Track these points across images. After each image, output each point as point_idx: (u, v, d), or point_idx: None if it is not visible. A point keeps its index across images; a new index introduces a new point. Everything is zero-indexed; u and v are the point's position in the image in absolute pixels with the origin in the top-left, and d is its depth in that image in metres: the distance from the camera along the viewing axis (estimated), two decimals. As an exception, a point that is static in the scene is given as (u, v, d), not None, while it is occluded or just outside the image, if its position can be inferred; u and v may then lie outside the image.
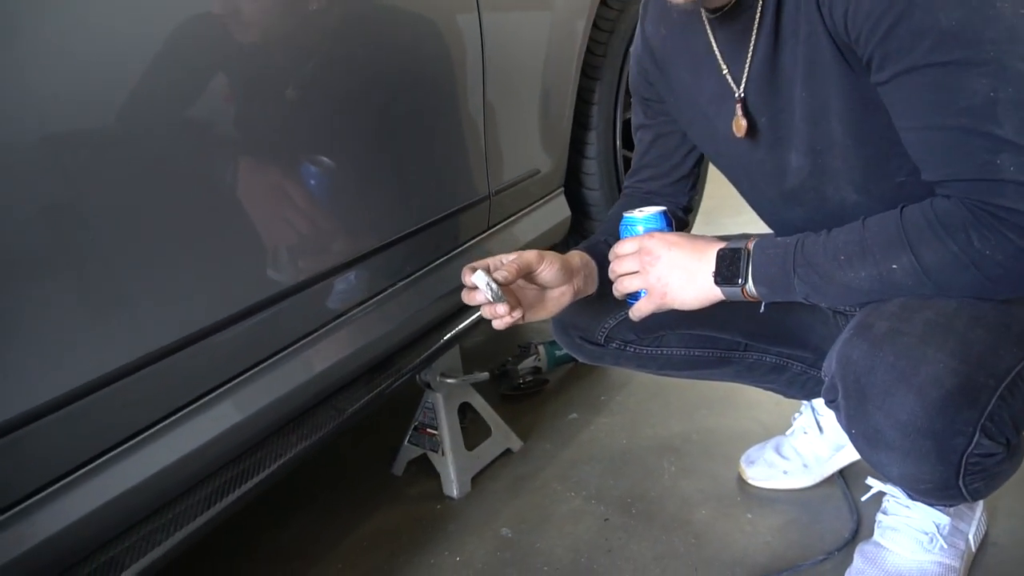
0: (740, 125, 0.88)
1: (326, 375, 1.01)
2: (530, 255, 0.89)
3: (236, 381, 0.89)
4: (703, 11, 0.86)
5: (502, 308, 0.84)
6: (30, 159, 0.67)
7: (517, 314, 0.87)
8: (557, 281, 0.91)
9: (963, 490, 0.77)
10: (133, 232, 0.76)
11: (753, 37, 0.82)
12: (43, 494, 0.70)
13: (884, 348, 0.74)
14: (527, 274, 0.88)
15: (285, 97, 0.92)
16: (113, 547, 0.77)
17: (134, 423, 0.79)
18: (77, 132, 0.71)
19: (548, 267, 0.89)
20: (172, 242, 0.80)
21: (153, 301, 0.79)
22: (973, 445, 0.73)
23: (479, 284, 0.82)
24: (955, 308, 0.74)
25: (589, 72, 1.61)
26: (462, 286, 0.86)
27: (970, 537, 1.00)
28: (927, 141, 0.72)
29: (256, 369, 0.91)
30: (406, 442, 1.34)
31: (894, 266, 0.74)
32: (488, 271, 0.84)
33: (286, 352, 0.95)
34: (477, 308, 0.87)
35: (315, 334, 0.99)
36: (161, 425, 0.81)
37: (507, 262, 0.86)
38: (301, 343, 0.97)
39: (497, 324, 0.86)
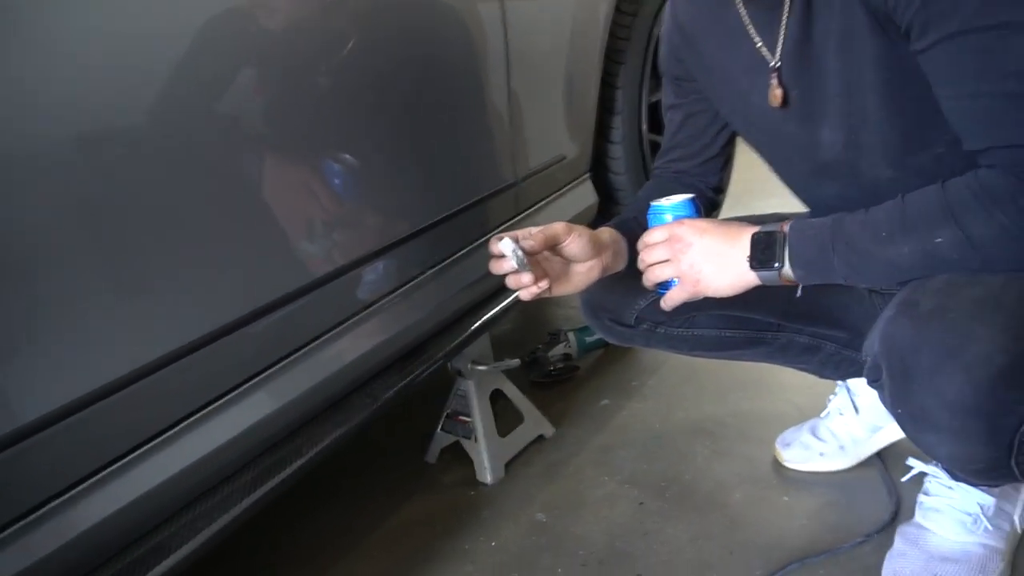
0: (776, 95, 0.86)
1: (359, 363, 1.02)
2: (558, 227, 0.88)
3: (271, 371, 0.90)
4: None
5: (527, 277, 0.84)
6: (56, 156, 0.68)
7: (544, 284, 0.86)
8: (585, 255, 0.90)
9: (1015, 470, 0.75)
10: (163, 226, 0.78)
11: (786, 10, 0.81)
12: (94, 479, 0.73)
13: (930, 326, 0.72)
14: (554, 246, 0.88)
15: (309, 88, 0.93)
16: (160, 532, 0.79)
17: (173, 414, 0.80)
18: (103, 128, 0.72)
19: (576, 240, 0.89)
20: (202, 236, 0.81)
21: (185, 295, 0.80)
22: None
23: (506, 251, 0.82)
24: (1002, 284, 0.72)
25: (613, 56, 1.59)
26: (489, 272, 0.86)
27: (1016, 519, 0.98)
28: (971, 109, 0.70)
29: (290, 359, 0.93)
30: (439, 430, 1.35)
31: (938, 240, 0.72)
32: (516, 240, 0.83)
33: (319, 341, 0.96)
34: (507, 295, 0.87)
35: (347, 323, 1.01)
36: (199, 415, 0.83)
37: (535, 232, 0.86)
38: (333, 332, 0.99)
39: (523, 295, 0.86)
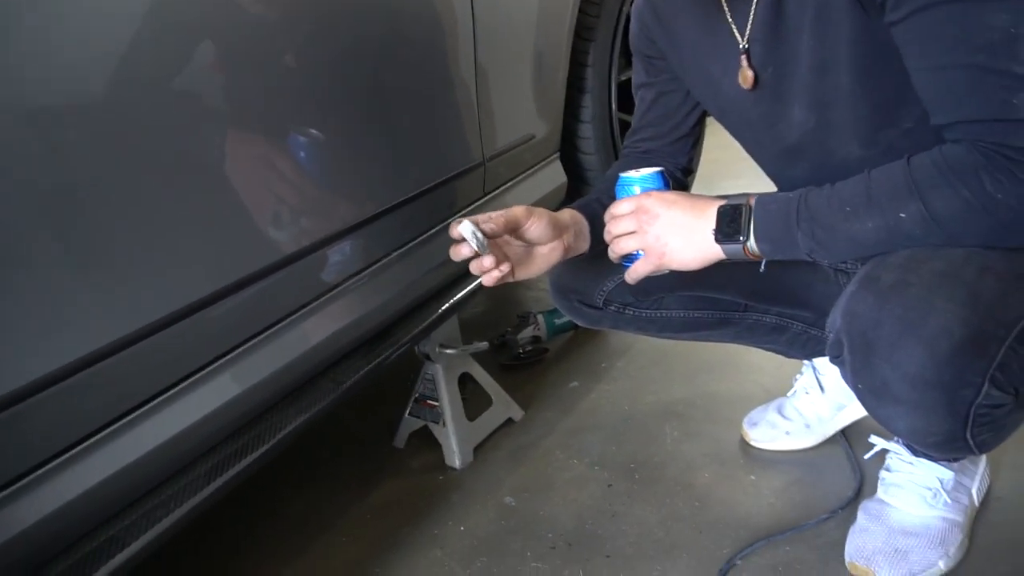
0: (747, 76, 0.86)
1: (323, 347, 0.99)
2: (517, 210, 0.87)
3: (231, 355, 0.87)
4: None
5: (488, 260, 0.83)
6: (11, 134, 0.65)
7: (505, 267, 0.85)
8: (546, 237, 0.89)
9: (970, 442, 0.76)
10: (123, 205, 0.74)
11: None
12: (42, 471, 0.69)
13: (891, 300, 0.72)
14: (515, 229, 0.87)
15: (270, 64, 0.90)
16: (113, 525, 0.76)
17: (128, 399, 0.77)
18: (68, 107, 0.68)
19: (536, 222, 0.87)
20: (162, 214, 0.78)
21: (144, 275, 0.77)
22: (982, 396, 0.72)
23: (465, 235, 0.81)
24: (964, 257, 0.72)
25: (583, 34, 1.57)
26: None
27: (973, 492, 1.00)
28: (941, 81, 0.70)
29: (251, 343, 0.90)
30: (407, 414, 1.34)
31: (902, 215, 0.72)
32: (476, 224, 0.82)
33: (281, 325, 0.94)
34: (475, 278, 0.85)
35: (310, 306, 0.98)
36: (157, 401, 0.80)
37: (495, 216, 0.85)
38: (296, 315, 0.96)
39: (486, 279, 0.85)
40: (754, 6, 0.82)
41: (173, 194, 0.79)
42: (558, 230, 0.91)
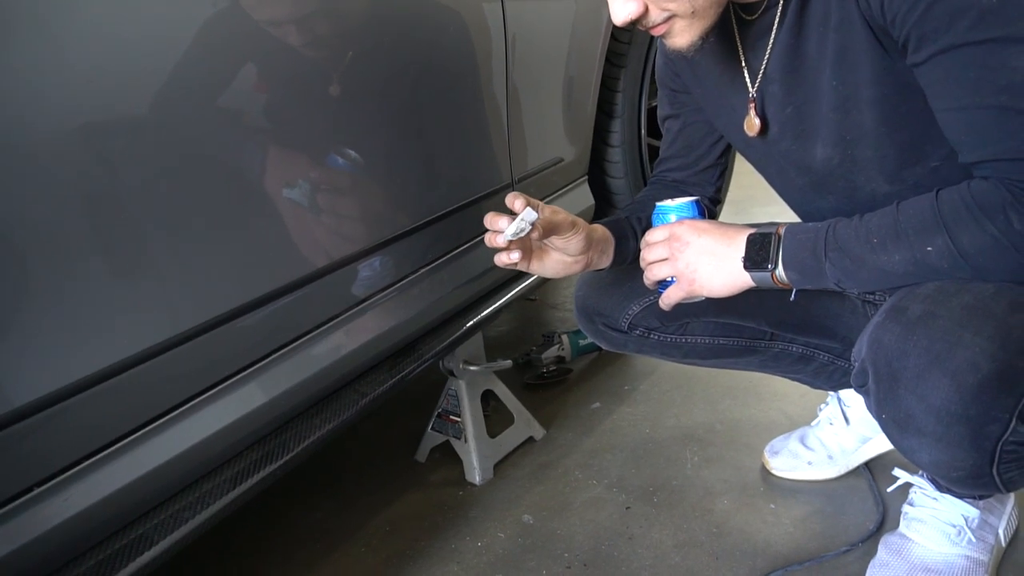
0: (752, 124, 0.88)
1: (349, 359, 1.02)
2: (564, 217, 0.87)
3: (261, 364, 0.90)
4: (732, 5, 0.85)
5: (516, 254, 0.84)
6: (51, 147, 0.68)
7: (516, 256, 0.85)
8: (577, 251, 0.91)
9: (996, 479, 0.75)
10: (157, 216, 0.78)
11: (774, 31, 0.81)
12: (77, 468, 0.72)
13: (918, 331, 0.72)
14: (553, 234, 0.87)
15: (308, 85, 0.93)
16: (142, 524, 0.79)
17: (160, 405, 0.80)
18: (106, 118, 0.72)
19: (574, 239, 0.89)
20: (194, 228, 0.81)
21: (177, 286, 0.80)
22: (1009, 432, 0.71)
23: (518, 209, 0.81)
24: (993, 292, 0.72)
25: (614, 60, 1.59)
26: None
27: (1000, 531, 0.98)
28: (965, 121, 0.71)
29: (280, 353, 0.93)
30: (429, 429, 1.36)
31: (929, 248, 0.72)
32: (536, 209, 0.82)
33: (310, 336, 0.96)
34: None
35: (338, 319, 1.01)
36: (186, 407, 0.83)
37: (547, 212, 0.85)
38: (325, 327, 0.98)
39: (499, 258, 0.85)
40: (770, 48, 0.83)
41: (207, 207, 0.82)
42: (588, 245, 0.92)
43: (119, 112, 0.73)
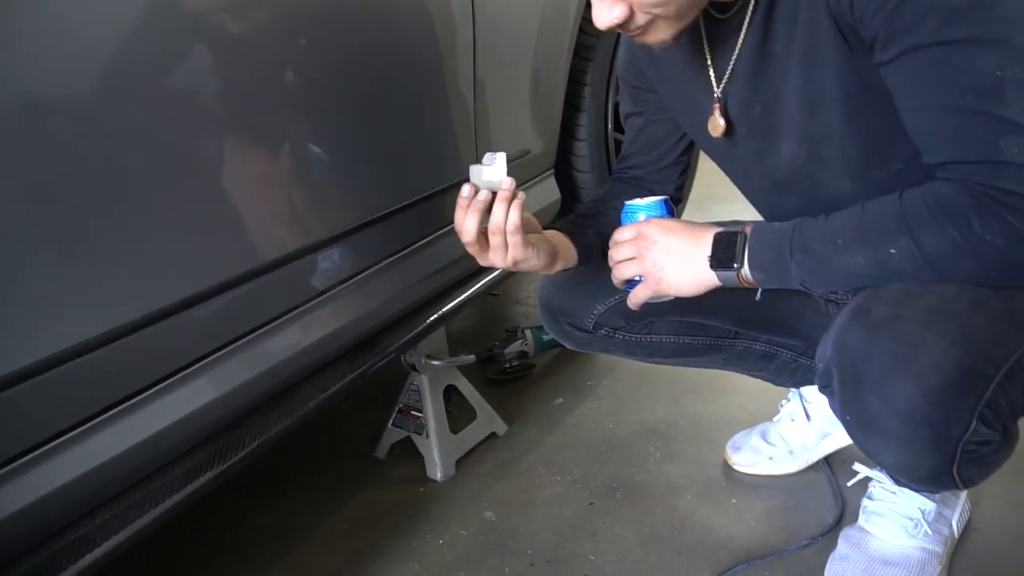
0: (717, 125, 0.88)
1: (308, 353, 0.99)
2: (531, 238, 0.86)
3: (214, 357, 0.86)
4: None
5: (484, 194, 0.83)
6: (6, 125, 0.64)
7: (472, 244, 0.84)
8: (535, 268, 0.90)
9: (956, 478, 0.77)
10: (108, 202, 0.74)
11: (743, 31, 0.81)
12: (12, 465, 0.68)
13: (882, 333, 0.73)
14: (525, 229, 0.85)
15: (269, 73, 0.90)
16: (85, 523, 0.75)
17: (106, 397, 0.76)
18: (61, 99, 0.68)
19: (534, 258, 0.87)
20: (147, 214, 0.78)
21: (129, 273, 0.76)
22: (970, 432, 0.72)
23: (499, 160, 0.80)
24: (956, 293, 0.72)
25: (582, 52, 1.58)
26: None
27: (954, 523, 1.00)
28: (930, 122, 0.71)
29: (235, 345, 0.89)
30: (390, 424, 1.33)
31: (892, 251, 0.72)
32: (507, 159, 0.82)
33: (266, 328, 0.93)
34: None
35: (297, 311, 0.97)
36: (135, 400, 0.79)
37: (527, 216, 0.85)
38: (283, 319, 0.95)
39: (464, 233, 0.84)
40: (736, 51, 0.82)
41: (160, 195, 0.78)
42: (553, 261, 0.92)
43: (63, 93, 0.69)
